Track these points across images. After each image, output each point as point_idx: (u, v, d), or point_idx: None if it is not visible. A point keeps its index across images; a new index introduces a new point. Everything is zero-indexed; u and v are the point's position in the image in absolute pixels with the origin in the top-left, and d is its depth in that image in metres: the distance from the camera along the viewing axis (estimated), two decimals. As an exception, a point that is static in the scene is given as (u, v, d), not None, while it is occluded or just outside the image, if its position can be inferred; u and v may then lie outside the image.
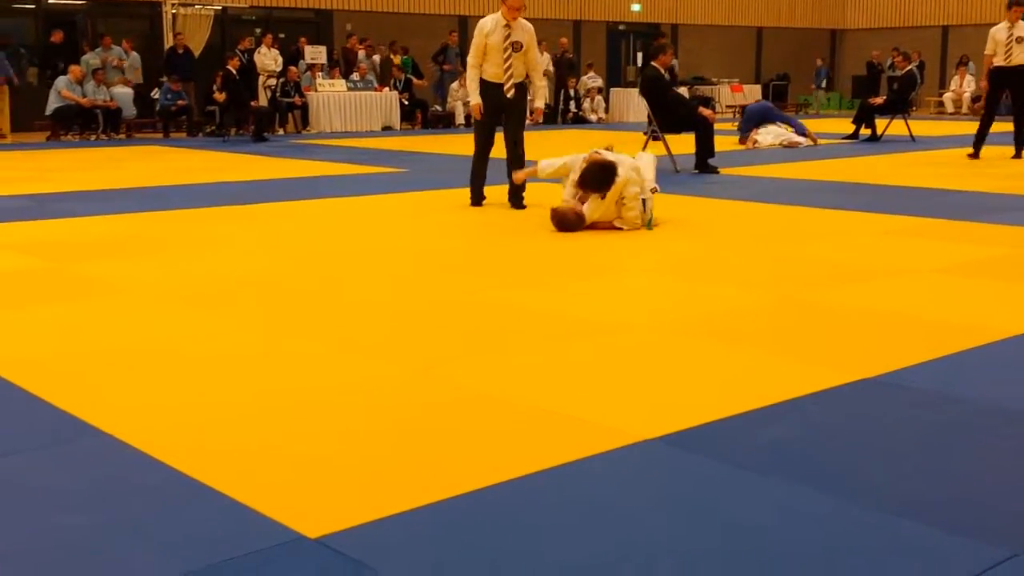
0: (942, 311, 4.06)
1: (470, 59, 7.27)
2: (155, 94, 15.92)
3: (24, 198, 7.98)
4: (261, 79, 16.30)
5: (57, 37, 15.65)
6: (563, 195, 6.31)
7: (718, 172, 9.59)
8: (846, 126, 14.50)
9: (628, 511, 2.21)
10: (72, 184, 8.93)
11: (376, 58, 18.19)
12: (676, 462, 2.50)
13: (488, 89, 7.21)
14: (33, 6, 17.02)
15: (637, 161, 6.37)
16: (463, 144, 12.50)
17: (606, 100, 20.61)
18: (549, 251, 5.54)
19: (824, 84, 24.07)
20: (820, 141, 13.13)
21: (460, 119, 17.82)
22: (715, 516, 2.18)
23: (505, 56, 7.16)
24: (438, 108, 18.53)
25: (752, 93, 20.85)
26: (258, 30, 18.09)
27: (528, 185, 7.35)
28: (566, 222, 6.08)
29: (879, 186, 8.52)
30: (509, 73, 7.18)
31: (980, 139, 10.73)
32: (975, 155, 10.71)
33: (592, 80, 20.45)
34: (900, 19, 25.68)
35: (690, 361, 3.38)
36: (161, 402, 2.95)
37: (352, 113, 16.94)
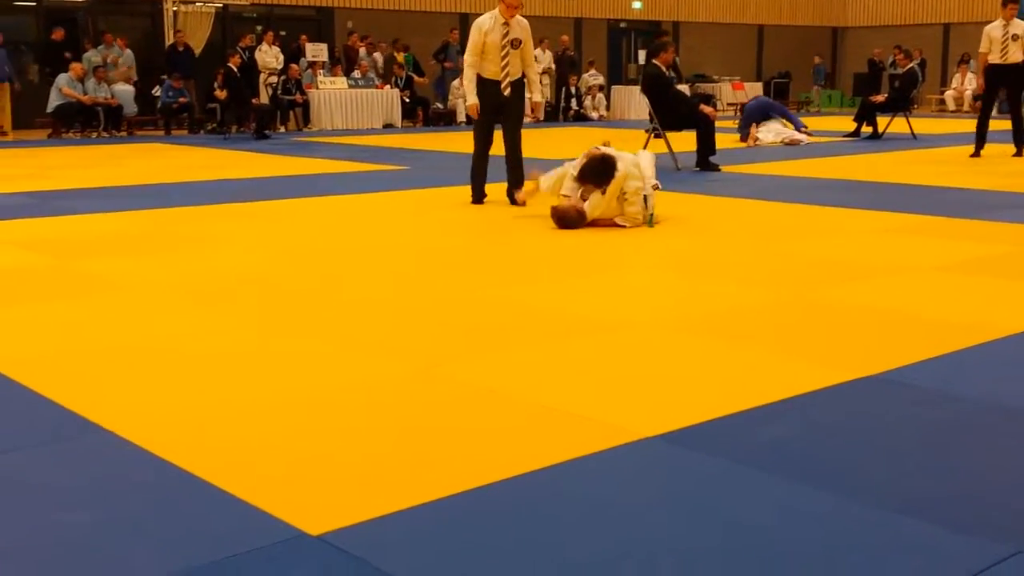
0: (943, 309, 4.06)
1: (468, 57, 7.25)
2: (156, 91, 15.92)
3: (25, 195, 7.99)
4: (262, 77, 16.30)
5: (58, 35, 15.64)
6: (562, 191, 6.30)
7: (719, 170, 9.58)
8: (847, 124, 14.49)
9: (629, 509, 2.21)
10: (73, 181, 8.93)
11: (377, 55, 18.18)
12: (677, 460, 2.50)
13: (486, 87, 7.21)
14: (34, 3, 17.01)
15: (637, 158, 6.37)
16: (464, 142, 12.50)
17: (607, 98, 20.61)
18: (550, 248, 5.54)
19: (822, 82, 24.02)
20: (821, 139, 13.12)
21: (461, 117, 17.81)
22: (716, 514, 2.18)
23: (503, 53, 7.16)
24: (439, 106, 18.52)
25: (753, 91, 20.84)
26: (259, 27, 18.08)
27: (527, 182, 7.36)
28: (567, 219, 6.08)
29: (880, 184, 8.51)
30: (506, 71, 7.18)
31: (980, 137, 10.74)
32: (976, 154, 10.72)
33: (593, 78, 20.44)
34: (902, 17, 25.66)
35: (691, 359, 3.38)
36: (162, 399, 2.95)
37: (353, 111, 16.94)
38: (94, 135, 14.88)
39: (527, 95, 7.46)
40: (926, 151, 11.82)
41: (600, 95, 20.27)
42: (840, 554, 2.00)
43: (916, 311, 4.01)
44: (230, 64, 14.83)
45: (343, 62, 17.80)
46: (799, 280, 4.62)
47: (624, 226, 6.12)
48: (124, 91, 15.61)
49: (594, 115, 19.88)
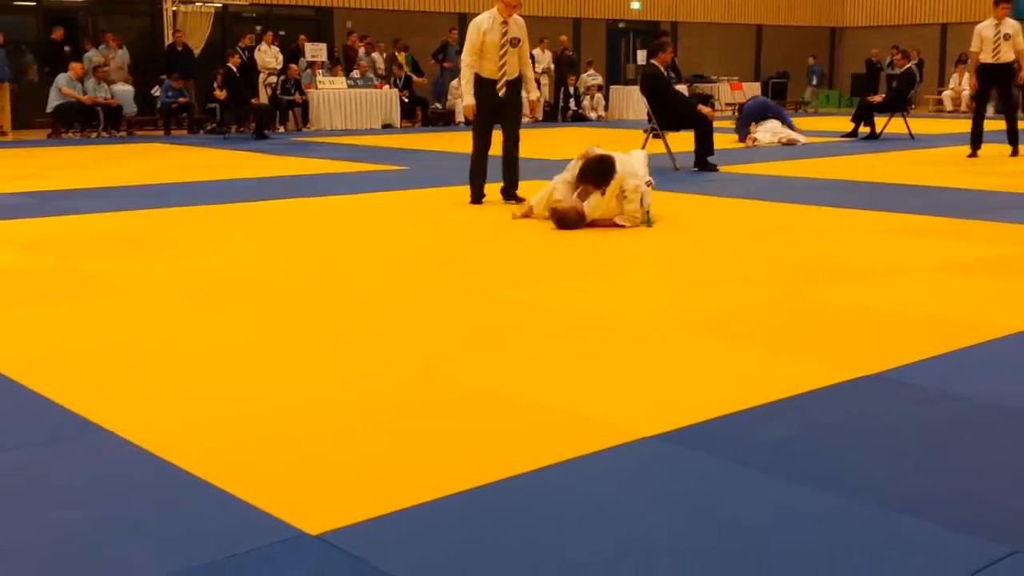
0: (942, 309, 4.06)
1: (466, 57, 7.24)
2: (156, 91, 15.92)
3: (25, 195, 7.98)
4: (262, 77, 16.30)
5: (58, 34, 15.63)
6: (556, 196, 6.28)
7: (717, 170, 9.59)
8: (845, 124, 14.50)
9: (628, 508, 2.21)
10: (73, 181, 8.93)
11: (376, 55, 18.18)
12: (676, 459, 2.50)
13: (485, 86, 7.21)
14: (34, 3, 17.00)
15: (630, 156, 6.39)
16: (463, 142, 12.49)
17: (606, 98, 20.61)
18: (549, 248, 5.55)
19: (815, 82, 23.99)
20: (819, 140, 13.14)
21: (460, 117, 17.79)
22: (715, 514, 2.19)
23: (502, 53, 7.16)
24: (438, 106, 18.52)
25: (751, 91, 20.85)
26: (259, 27, 18.08)
27: (525, 182, 7.36)
28: (567, 220, 6.08)
29: (878, 184, 8.52)
30: (503, 71, 7.18)
31: (976, 138, 10.75)
32: (973, 154, 10.73)
33: (592, 78, 20.45)
34: (899, 17, 25.67)
35: (690, 358, 3.39)
36: (162, 399, 2.95)
37: (352, 111, 16.94)
38: (94, 135, 14.87)
39: (524, 94, 7.46)
40: (924, 151, 11.82)
41: (599, 95, 20.27)
42: (839, 553, 2.00)
43: (915, 311, 4.02)
44: (229, 64, 14.83)
45: (342, 62, 17.79)
46: (797, 280, 4.62)
47: (623, 226, 6.12)
48: (124, 91, 15.60)
49: (593, 115, 19.88)
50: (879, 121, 13.69)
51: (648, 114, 10.23)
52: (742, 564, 1.96)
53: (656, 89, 9.88)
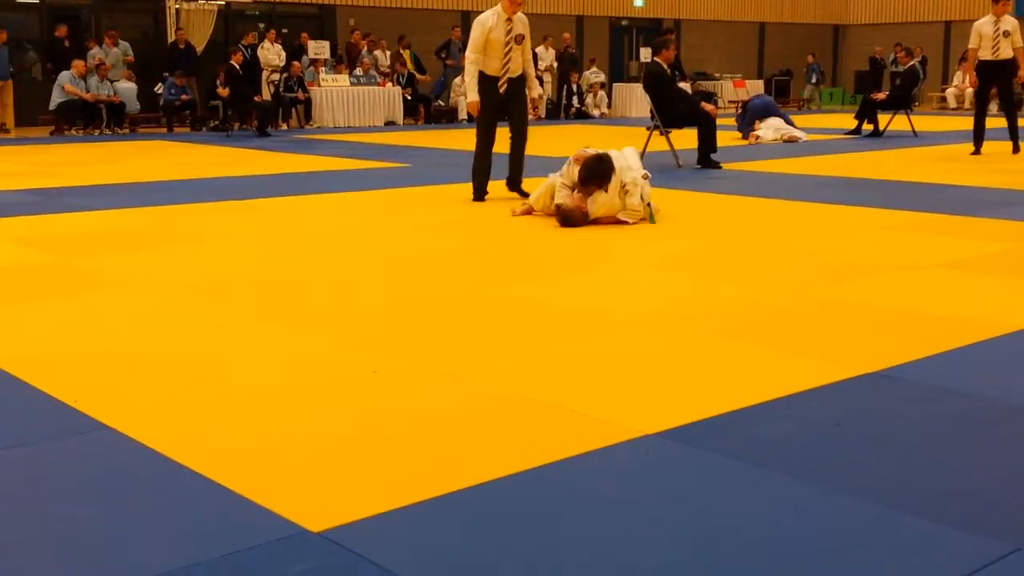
0: (945, 306, 4.06)
1: (470, 54, 7.23)
2: (159, 89, 15.92)
3: (28, 192, 7.99)
4: (264, 74, 16.31)
5: (61, 32, 15.64)
6: (557, 199, 6.26)
7: (720, 167, 9.58)
8: (848, 122, 14.47)
9: (629, 506, 2.21)
10: (76, 179, 8.94)
11: (378, 53, 18.17)
12: (676, 457, 2.50)
13: (489, 84, 7.21)
14: (38, 1, 17.01)
15: (623, 153, 6.39)
16: (466, 139, 12.48)
17: (609, 95, 20.59)
18: (551, 246, 5.54)
19: (814, 80, 23.93)
20: (823, 137, 13.12)
21: (463, 114, 17.80)
22: (716, 511, 2.18)
23: (506, 50, 7.15)
24: (440, 103, 18.51)
25: (754, 88, 20.82)
26: (262, 25, 18.08)
27: (527, 179, 7.35)
28: (571, 219, 6.06)
29: (881, 181, 8.51)
30: (507, 67, 7.18)
31: (978, 135, 10.73)
32: (976, 151, 10.71)
33: (595, 75, 20.43)
34: (903, 14, 25.63)
35: (691, 356, 3.38)
36: (165, 396, 2.96)
37: (355, 108, 16.93)
38: (96, 132, 14.88)
39: (526, 92, 7.46)
40: (927, 148, 11.81)
41: (601, 93, 20.25)
42: (840, 551, 2.00)
43: (918, 308, 4.01)
44: (232, 62, 14.83)
45: (345, 60, 17.79)
46: (800, 277, 4.62)
47: (627, 222, 6.12)
48: (127, 88, 15.60)
49: (595, 113, 19.86)
50: (882, 119, 13.67)
51: (651, 111, 10.22)
52: (742, 562, 1.96)
53: (659, 86, 9.87)
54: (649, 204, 6.21)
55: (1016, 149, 10.70)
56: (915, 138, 13.13)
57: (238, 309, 4.07)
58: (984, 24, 10.46)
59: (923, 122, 15.14)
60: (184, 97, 15.65)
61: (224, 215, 6.79)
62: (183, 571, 1.91)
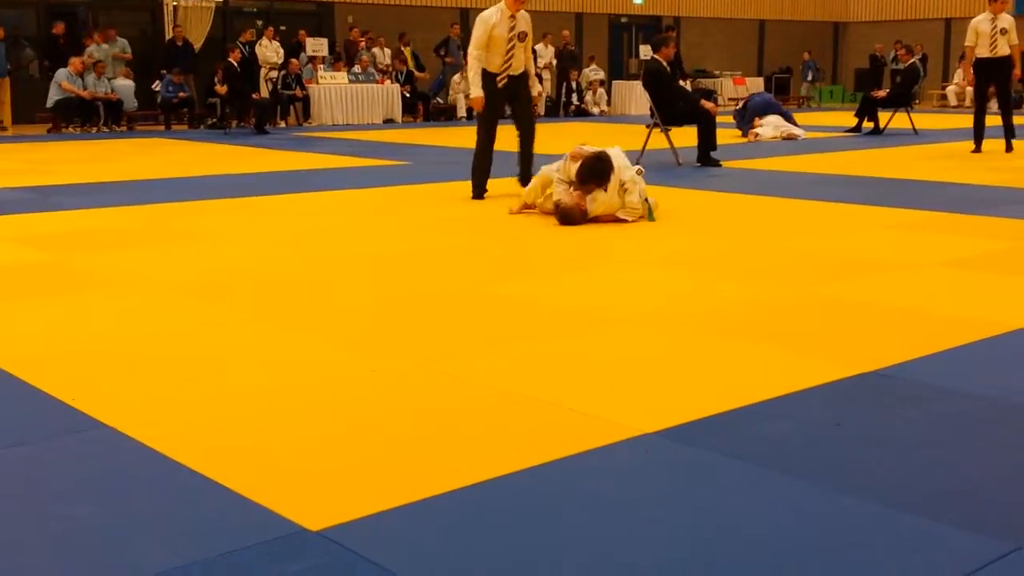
0: (945, 305, 4.05)
1: (473, 50, 7.21)
2: (156, 86, 15.90)
3: (26, 190, 7.98)
4: (263, 71, 16.29)
5: (58, 29, 15.61)
6: (555, 198, 6.24)
7: (720, 165, 9.57)
8: (848, 119, 14.47)
9: (627, 505, 2.20)
10: (73, 177, 8.92)
11: (377, 50, 18.15)
12: (676, 456, 2.49)
13: (490, 81, 7.19)
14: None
15: (614, 151, 6.39)
16: (465, 137, 12.48)
17: (608, 93, 20.58)
18: (550, 244, 5.54)
19: (810, 77, 23.91)
20: (823, 135, 13.12)
21: (462, 112, 17.80)
22: (715, 510, 2.18)
23: (509, 47, 7.14)
24: (439, 101, 18.50)
25: (754, 86, 20.81)
26: (260, 22, 18.07)
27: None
28: (571, 217, 6.05)
29: (882, 179, 8.50)
30: (508, 64, 7.17)
31: (979, 133, 10.72)
32: (977, 150, 10.71)
33: (594, 73, 20.42)
34: (903, 12, 25.62)
35: (691, 355, 3.38)
36: (163, 395, 2.95)
37: (353, 106, 16.92)
38: (94, 130, 14.86)
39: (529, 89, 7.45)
40: (927, 146, 11.80)
41: (601, 90, 20.25)
42: (840, 550, 1.99)
43: (918, 306, 4.00)
44: (230, 59, 14.81)
45: (344, 57, 17.77)
46: (800, 276, 4.61)
47: (627, 220, 6.11)
48: (124, 86, 15.58)
49: (595, 110, 19.85)
50: (883, 116, 13.66)
51: (651, 109, 10.21)
52: (742, 561, 1.95)
53: (658, 84, 9.86)
54: (647, 200, 6.20)
55: (1009, 148, 10.68)
56: (915, 136, 13.13)
57: (236, 307, 4.07)
58: (981, 21, 10.45)
59: (923, 120, 15.13)
60: (182, 95, 15.64)
61: (222, 213, 6.78)
62: (181, 570, 1.91)
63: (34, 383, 3.04)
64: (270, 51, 16.47)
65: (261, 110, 14.78)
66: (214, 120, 15.52)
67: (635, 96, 19.38)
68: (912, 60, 14.02)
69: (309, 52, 17.15)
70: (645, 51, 18.30)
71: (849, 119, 14.42)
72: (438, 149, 12.08)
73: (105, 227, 6.16)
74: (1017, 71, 10.47)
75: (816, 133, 13.65)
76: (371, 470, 2.40)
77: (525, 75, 7.35)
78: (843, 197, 7.27)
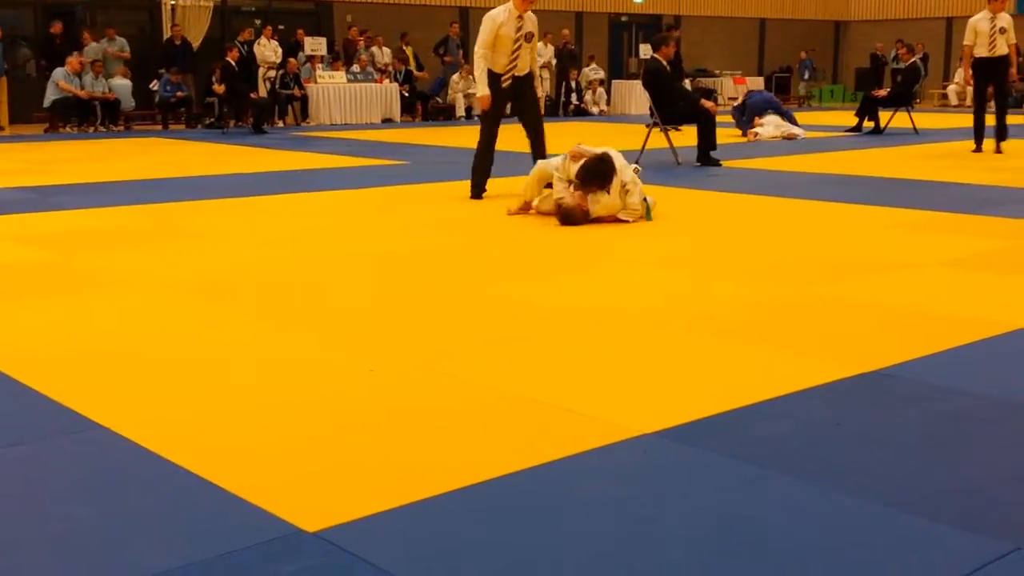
0: (945, 304, 4.04)
1: (480, 49, 7.17)
2: (154, 86, 15.89)
3: (23, 190, 7.97)
4: (261, 71, 16.27)
5: (56, 28, 15.60)
6: (555, 195, 6.23)
7: (720, 165, 9.57)
8: (849, 119, 14.46)
9: (626, 505, 2.20)
10: (71, 176, 8.91)
11: (375, 49, 18.14)
12: (674, 457, 2.49)
13: (495, 81, 7.18)
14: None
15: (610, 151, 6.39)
16: (464, 136, 12.48)
17: (608, 92, 20.57)
18: (549, 244, 5.53)
19: (807, 76, 23.90)
20: (823, 135, 13.12)
21: (460, 111, 17.79)
22: (714, 511, 2.17)
23: (515, 47, 7.13)
24: (439, 100, 18.49)
25: (754, 85, 20.81)
26: (258, 22, 18.05)
27: (527, 176, 7.33)
28: (572, 218, 6.03)
29: (882, 179, 8.50)
30: (513, 64, 7.15)
31: (979, 133, 10.72)
32: (978, 149, 10.70)
33: (594, 72, 20.41)
34: (904, 11, 25.62)
35: (690, 355, 3.37)
36: (160, 396, 2.94)
37: (352, 105, 16.90)
38: (91, 130, 14.85)
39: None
40: (928, 146, 11.80)
41: (600, 89, 20.24)
42: (840, 550, 1.99)
43: (918, 306, 4.00)
44: (228, 58, 14.80)
45: (342, 56, 17.76)
46: (800, 275, 4.60)
47: (626, 220, 6.10)
48: (122, 85, 15.57)
49: (594, 110, 19.84)
50: (883, 116, 13.66)
51: (651, 109, 10.20)
52: (742, 562, 1.94)
53: (658, 83, 9.85)
54: (645, 199, 6.19)
55: (998, 149, 10.67)
56: (916, 135, 13.13)
57: (234, 307, 4.06)
58: (980, 20, 10.45)
59: (924, 119, 15.13)
60: (180, 94, 15.62)
61: (220, 213, 6.77)
62: (179, 571, 1.90)
63: (31, 383, 3.02)
64: (268, 50, 16.45)
65: (259, 110, 14.77)
66: (212, 120, 15.51)
67: (635, 95, 19.37)
68: (913, 59, 14.02)
69: (307, 51, 17.14)
70: (645, 50, 18.29)
71: (849, 118, 14.42)
72: (437, 149, 12.07)
73: (104, 227, 6.15)
74: (1013, 70, 10.46)
75: (816, 132, 13.65)
76: (368, 471, 2.39)
77: (530, 76, 7.33)
78: (843, 197, 7.27)
